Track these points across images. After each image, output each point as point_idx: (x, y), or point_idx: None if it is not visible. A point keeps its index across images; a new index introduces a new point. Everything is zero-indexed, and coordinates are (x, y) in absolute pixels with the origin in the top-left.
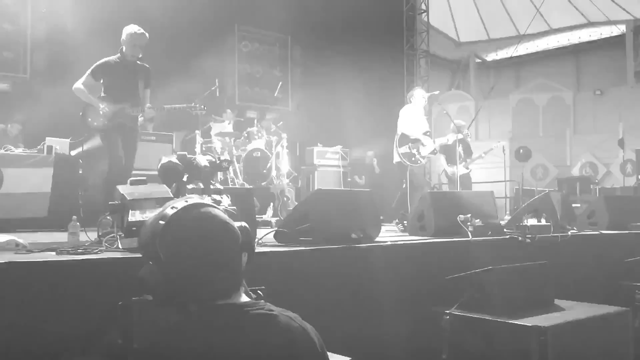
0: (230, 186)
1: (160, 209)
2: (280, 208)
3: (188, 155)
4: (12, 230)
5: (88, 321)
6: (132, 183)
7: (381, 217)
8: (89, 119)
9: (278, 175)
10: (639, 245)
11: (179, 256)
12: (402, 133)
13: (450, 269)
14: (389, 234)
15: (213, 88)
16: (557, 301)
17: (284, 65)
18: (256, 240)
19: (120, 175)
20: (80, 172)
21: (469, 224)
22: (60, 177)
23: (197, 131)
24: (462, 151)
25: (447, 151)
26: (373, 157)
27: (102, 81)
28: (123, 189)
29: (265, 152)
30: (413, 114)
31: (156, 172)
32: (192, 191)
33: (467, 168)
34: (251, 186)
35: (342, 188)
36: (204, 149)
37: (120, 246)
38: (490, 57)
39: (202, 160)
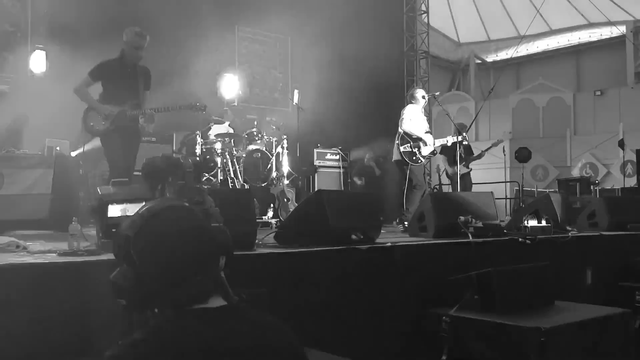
0: (230, 187)
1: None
2: (281, 209)
3: (174, 156)
4: (12, 232)
5: (89, 322)
6: (114, 184)
7: (381, 218)
8: (91, 124)
9: (278, 177)
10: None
11: (152, 259)
12: (404, 131)
13: (451, 270)
14: (390, 235)
15: (213, 89)
16: (557, 302)
17: (284, 66)
18: (257, 241)
19: (121, 178)
20: (81, 172)
21: (469, 225)
22: (61, 178)
23: (197, 132)
24: (462, 152)
25: (448, 152)
26: (372, 161)
27: (101, 83)
28: (102, 190)
29: (265, 153)
30: (415, 113)
31: None
32: (175, 192)
33: (468, 167)
34: (251, 187)
35: (342, 189)
36: (204, 149)
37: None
38: (490, 57)
39: (187, 160)
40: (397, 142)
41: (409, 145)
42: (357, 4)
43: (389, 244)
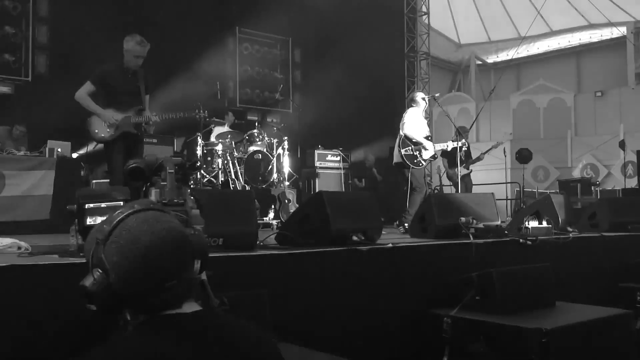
0: (231, 188)
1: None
2: (281, 210)
3: (157, 157)
4: (14, 233)
5: (90, 324)
6: (95, 186)
7: (382, 219)
8: (96, 131)
9: (279, 178)
10: None
11: (124, 263)
12: (405, 135)
13: (452, 271)
14: (391, 236)
15: (214, 91)
16: (558, 303)
17: (285, 68)
18: (258, 242)
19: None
20: (82, 174)
21: (470, 226)
22: (62, 180)
23: (198, 134)
24: (462, 155)
25: (448, 154)
26: (373, 166)
27: (103, 88)
28: (81, 192)
29: (266, 154)
30: (416, 117)
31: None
32: (155, 194)
33: (468, 169)
34: (252, 188)
35: (343, 190)
36: (205, 151)
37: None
38: (491, 59)
39: (169, 162)
40: (398, 145)
41: (410, 148)
42: (358, 5)
43: (390, 245)
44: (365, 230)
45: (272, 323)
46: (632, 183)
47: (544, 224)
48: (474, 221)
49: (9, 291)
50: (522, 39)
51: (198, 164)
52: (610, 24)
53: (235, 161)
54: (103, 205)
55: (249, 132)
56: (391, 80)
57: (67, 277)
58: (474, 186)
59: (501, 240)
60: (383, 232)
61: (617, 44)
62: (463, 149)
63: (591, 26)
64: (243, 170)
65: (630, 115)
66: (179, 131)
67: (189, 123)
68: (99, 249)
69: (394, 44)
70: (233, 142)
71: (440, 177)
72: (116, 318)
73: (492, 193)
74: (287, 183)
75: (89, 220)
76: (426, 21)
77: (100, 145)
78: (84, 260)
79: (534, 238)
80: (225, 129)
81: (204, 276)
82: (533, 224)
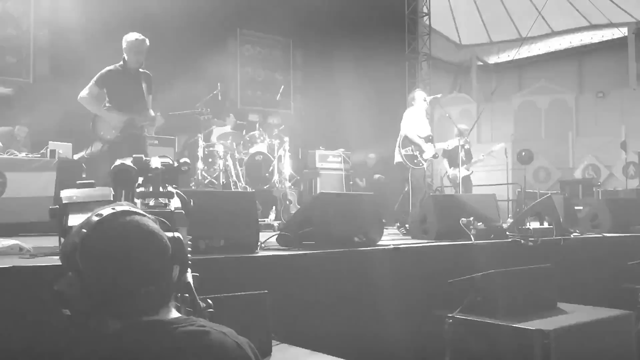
0: (233, 189)
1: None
2: (283, 211)
3: (144, 158)
4: (16, 235)
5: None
6: (79, 186)
7: (383, 220)
8: (101, 132)
9: (280, 179)
10: None
11: (99, 268)
12: (405, 135)
13: (453, 273)
14: (391, 237)
15: (215, 92)
16: (560, 304)
17: (285, 69)
18: (259, 243)
19: None
20: (84, 176)
21: (471, 227)
22: (64, 182)
23: (199, 135)
24: (463, 155)
25: (449, 155)
26: (374, 166)
27: (106, 90)
28: (64, 192)
29: (267, 155)
30: (416, 117)
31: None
32: (139, 195)
33: (468, 170)
34: (253, 190)
35: (344, 191)
36: (206, 152)
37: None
38: (492, 59)
39: (156, 162)
40: (398, 145)
41: (410, 148)
42: (359, 6)
43: (391, 246)
44: (366, 232)
45: (273, 325)
46: (633, 184)
47: (546, 224)
48: (475, 222)
49: (10, 292)
50: (523, 40)
51: (186, 166)
52: (611, 25)
53: (237, 162)
54: (86, 206)
55: (250, 133)
56: (392, 81)
57: None
58: (475, 187)
59: (502, 241)
60: (384, 234)
61: (618, 44)
62: (465, 146)
63: (592, 27)
64: (244, 171)
65: (632, 116)
66: (180, 132)
67: (190, 124)
68: (75, 251)
69: (395, 45)
70: (234, 143)
71: (441, 179)
72: (91, 324)
73: (494, 194)
74: (288, 184)
75: (71, 221)
76: (427, 22)
77: (101, 147)
78: None
79: (536, 239)
80: (227, 130)
81: (189, 278)
82: (534, 224)
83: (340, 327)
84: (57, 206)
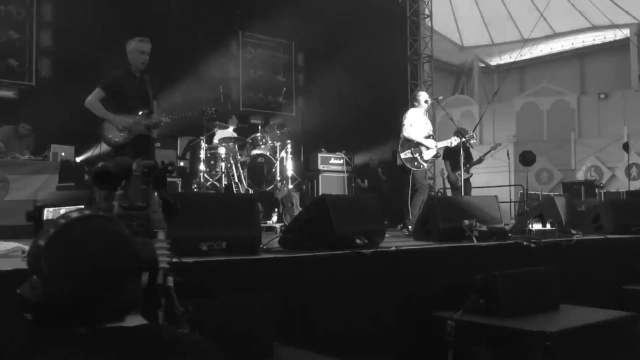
0: (235, 192)
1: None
2: (285, 214)
3: (127, 160)
4: (19, 237)
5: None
6: (58, 189)
7: (386, 222)
8: (110, 136)
9: (282, 181)
10: None
11: (63, 272)
12: (405, 137)
13: (455, 275)
14: (394, 239)
15: (217, 95)
16: (562, 306)
17: (287, 71)
18: (261, 245)
19: None
20: (86, 178)
21: (473, 228)
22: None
23: (201, 137)
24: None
25: (451, 156)
26: (377, 166)
27: (112, 94)
28: (41, 195)
29: (269, 157)
30: (416, 117)
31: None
32: (117, 197)
33: (469, 172)
34: (255, 192)
35: (346, 193)
36: (208, 155)
37: None
38: (494, 61)
39: (138, 164)
40: (399, 147)
41: (409, 151)
42: (361, 8)
43: (393, 248)
44: (368, 234)
45: (276, 326)
46: (636, 185)
47: (548, 226)
48: (478, 224)
49: (13, 295)
50: (525, 42)
51: (171, 167)
52: (613, 26)
53: (239, 164)
54: (62, 209)
55: (252, 136)
56: (394, 83)
57: None
58: (477, 189)
59: (505, 243)
60: (386, 235)
61: (620, 46)
62: (469, 142)
63: (594, 28)
64: (246, 173)
65: (634, 117)
66: (182, 134)
67: (192, 126)
68: (40, 254)
69: (397, 47)
70: (236, 146)
71: (443, 180)
72: (54, 329)
73: (496, 195)
74: (290, 186)
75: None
76: (429, 24)
77: (104, 149)
78: None
79: (538, 241)
80: (229, 132)
81: (170, 283)
82: (537, 226)
83: (341, 328)
84: (34, 209)
